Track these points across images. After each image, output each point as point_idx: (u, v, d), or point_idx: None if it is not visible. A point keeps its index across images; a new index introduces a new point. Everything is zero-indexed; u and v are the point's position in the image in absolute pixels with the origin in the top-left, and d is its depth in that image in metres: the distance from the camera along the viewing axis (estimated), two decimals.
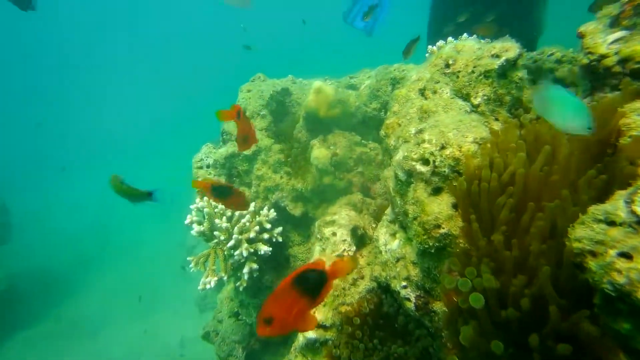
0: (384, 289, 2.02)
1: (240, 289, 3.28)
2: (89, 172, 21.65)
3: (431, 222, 1.52)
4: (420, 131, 1.62)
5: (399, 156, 1.65)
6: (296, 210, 3.31)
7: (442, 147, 1.54)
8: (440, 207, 1.52)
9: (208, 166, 3.79)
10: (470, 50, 1.89)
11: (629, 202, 0.97)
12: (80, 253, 13.38)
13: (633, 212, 0.96)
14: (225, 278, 3.26)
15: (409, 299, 1.81)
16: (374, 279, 2.02)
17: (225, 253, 3.24)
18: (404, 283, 1.81)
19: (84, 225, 15.46)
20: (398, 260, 1.84)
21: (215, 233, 3.16)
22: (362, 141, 3.21)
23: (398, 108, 1.84)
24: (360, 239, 2.18)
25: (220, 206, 3.26)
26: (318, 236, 2.23)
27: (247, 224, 3.20)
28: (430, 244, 1.55)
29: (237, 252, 3.11)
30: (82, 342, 9.32)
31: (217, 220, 3.21)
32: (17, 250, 12.30)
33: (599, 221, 1.01)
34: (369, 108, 3.32)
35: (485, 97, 1.78)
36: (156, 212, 14.94)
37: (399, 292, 1.85)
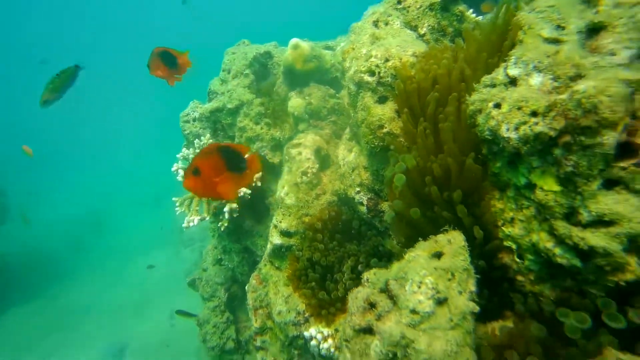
0: (343, 201, 2.29)
1: (222, 228, 3.54)
2: (86, 161, 21.78)
3: (376, 123, 1.80)
4: (369, 51, 1.89)
5: (351, 72, 1.92)
6: (275, 159, 3.57)
7: (386, 60, 1.81)
8: (384, 111, 1.80)
9: (194, 120, 4.04)
10: None
11: (506, 67, 1.26)
12: (74, 237, 13.54)
13: (507, 74, 1.24)
14: (207, 218, 3.53)
15: (362, 203, 2.09)
16: (334, 193, 2.29)
17: None
18: (357, 189, 2.09)
19: (79, 210, 15.63)
20: (353, 169, 2.12)
21: None
22: (336, 94, 3.47)
23: (354, 37, 2.11)
24: (324, 160, 2.45)
25: None
26: (286, 157, 2.49)
27: None
28: (376, 143, 1.83)
29: None
30: (72, 321, 9.58)
31: None
32: (13, 231, 12.48)
33: (487, 86, 1.29)
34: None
35: (429, 27, 2.05)
36: (149, 200, 15.15)
37: (353, 198, 2.13)
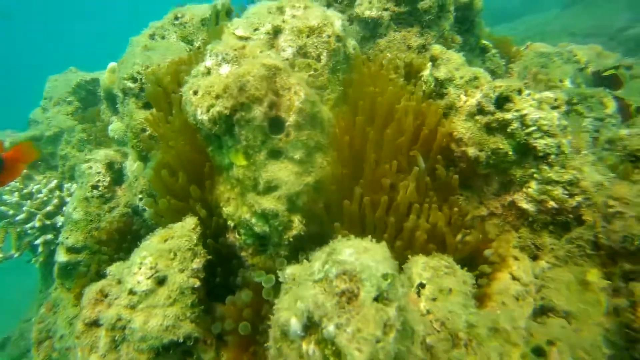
0: (135, 212, 2.28)
1: (37, 265, 3.23)
2: None
3: (138, 127, 1.85)
4: (135, 59, 1.96)
5: (117, 81, 1.97)
6: None
7: (147, 67, 1.90)
8: (145, 115, 1.86)
9: (7, 149, 3.69)
10: (197, 8, 2.33)
11: (204, 60, 1.40)
12: None
13: (205, 65, 1.39)
14: (16, 256, 3.19)
15: (145, 210, 2.09)
16: (127, 204, 2.27)
17: (19, 230, 3.18)
18: (140, 196, 2.09)
19: None
20: (136, 178, 2.13)
21: (2, 208, 3.08)
22: None
23: (130, 49, 2.17)
24: (119, 174, 2.42)
25: (13, 183, 3.22)
26: (77, 173, 2.41)
27: (45, 199, 3.20)
28: (140, 147, 1.87)
29: (29, 225, 3.09)
30: None
31: (5, 197, 3.15)
32: None
33: (194, 76, 1.42)
34: None
35: (203, 40, 2.21)
36: None
37: (139, 206, 2.13)
